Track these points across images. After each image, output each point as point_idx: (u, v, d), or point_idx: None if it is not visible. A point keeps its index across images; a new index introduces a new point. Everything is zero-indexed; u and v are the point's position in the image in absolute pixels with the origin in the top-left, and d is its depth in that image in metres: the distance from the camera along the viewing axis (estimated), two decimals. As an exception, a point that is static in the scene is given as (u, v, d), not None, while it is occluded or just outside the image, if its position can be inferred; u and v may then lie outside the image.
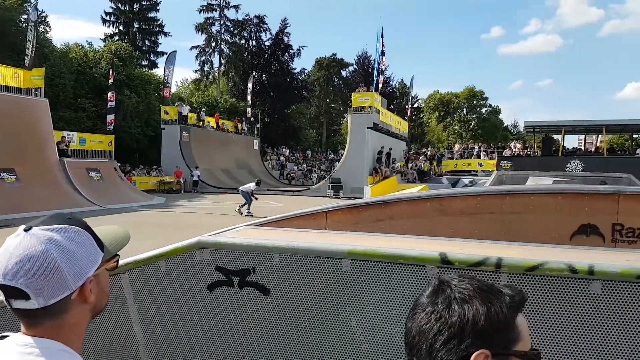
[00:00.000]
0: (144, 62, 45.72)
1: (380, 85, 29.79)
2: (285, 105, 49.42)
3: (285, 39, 50.87)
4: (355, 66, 54.62)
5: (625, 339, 1.81)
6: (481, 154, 33.72)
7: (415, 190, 20.94)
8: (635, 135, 37.79)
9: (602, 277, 1.82)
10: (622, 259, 2.05)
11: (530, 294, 1.91)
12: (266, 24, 50.99)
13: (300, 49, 51.39)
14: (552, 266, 1.86)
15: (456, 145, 38.32)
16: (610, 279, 1.82)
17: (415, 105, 56.97)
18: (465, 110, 62.83)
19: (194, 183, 28.85)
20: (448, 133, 60.47)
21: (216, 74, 52.48)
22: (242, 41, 51.71)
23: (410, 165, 29.95)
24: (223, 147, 34.63)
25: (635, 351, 1.81)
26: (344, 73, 58.24)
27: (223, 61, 51.66)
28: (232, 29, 51.33)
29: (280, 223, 4.41)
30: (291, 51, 51.22)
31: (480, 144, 39.73)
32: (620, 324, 1.82)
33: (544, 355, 1.93)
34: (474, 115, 62.33)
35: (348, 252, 2.13)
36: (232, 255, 2.24)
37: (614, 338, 1.82)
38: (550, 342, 1.89)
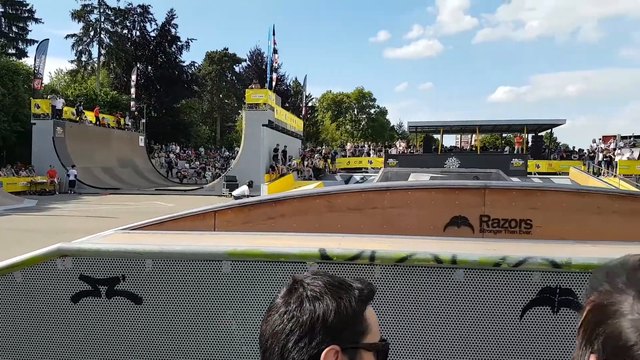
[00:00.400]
0: (11, 51, 40.82)
1: (274, 83, 29.86)
2: (174, 99, 47.24)
3: (173, 30, 48.61)
4: (248, 62, 54.06)
5: (484, 322, 1.98)
6: (371, 152, 35.43)
7: (311, 187, 21.34)
8: (504, 135, 42.55)
9: (464, 266, 1.98)
10: (483, 248, 2.24)
11: (401, 284, 2.02)
12: (151, 14, 48.24)
13: (190, 41, 49.50)
14: (419, 257, 1.98)
15: (348, 144, 39.84)
16: (471, 267, 1.98)
17: (310, 104, 58.10)
18: (356, 110, 65.59)
19: (71, 183, 26.35)
20: (341, 132, 62.65)
21: (95, 65, 48.46)
22: (125, 31, 48.38)
23: (306, 162, 30.47)
24: (103, 143, 32.07)
25: (494, 333, 1.99)
26: (237, 69, 57.37)
27: (103, 51, 47.86)
28: (113, 17, 47.77)
29: (164, 225, 4.17)
30: (179, 43, 49.09)
31: (370, 142, 41.74)
32: (480, 308, 1.99)
33: (414, 340, 2.05)
34: (364, 116, 65.38)
35: (228, 254, 2.06)
36: (99, 263, 2.05)
37: (475, 322, 1.99)
38: (419, 327, 2.01)
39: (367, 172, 31.50)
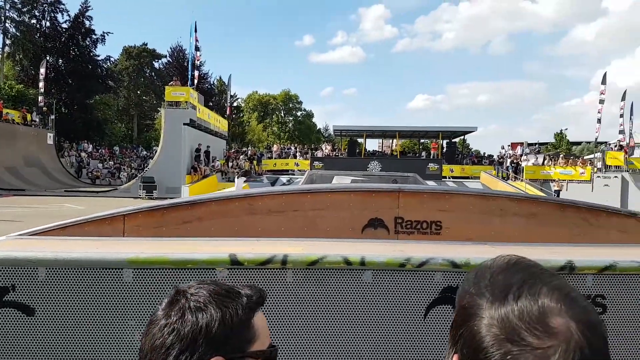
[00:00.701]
0: None
1: (195, 81, 28.97)
2: (86, 95, 44.26)
3: (87, 22, 45.59)
4: (169, 58, 52.01)
5: (391, 321, 2.05)
6: (297, 154, 35.60)
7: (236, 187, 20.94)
8: (422, 140, 44.65)
9: (372, 267, 2.03)
10: (391, 249, 2.32)
11: (313, 286, 2.03)
12: (63, 4, 44.85)
13: (105, 34, 46.64)
14: (330, 259, 2.01)
15: (275, 146, 39.73)
16: (379, 268, 2.04)
17: (235, 104, 57.14)
18: (282, 112, 65.58)
19: (-34, 184, 23.75)
20: (267, 133, 62.29)
21: (-1, 56, 44.20)
22: (33, 21, 44.58)
23: (230, 164, 29.89)
24: (7, 141, 29.25)
25: (400, 331, 2.06)
26: (156, 65, 54.98)
27: (8, 42, 43.76)
28: (19, 6, 43.82)
29: (67, 230, 3.87)
30: (94, 36, 46.09)
31: (296, 145, 41.92)
32: (388, 308, 2.05)
33: (322, 342, 2.08)
34: (291, 118, 65.55)
35: (129, 261, 1.95)
36: (-18, 273, 1.85)
37: (383, 321, 2.05)
38: (329, 329, 2.04)
39: (294, 174, 31.61)
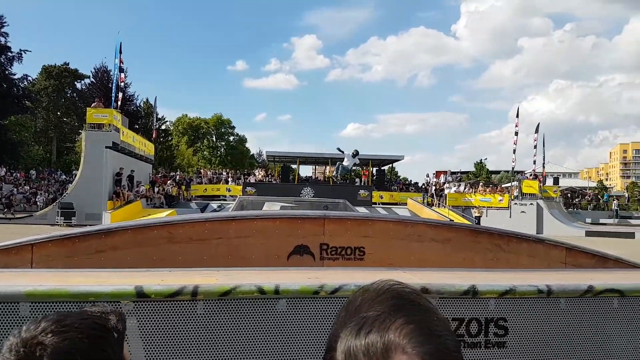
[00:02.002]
0: None
1: (119, 103, 27.84)
2: (1, 115, 41.08)
3: (2, 39, 42.68)
4: (92, 79, 49.65)
5: (305, 350, 2.03)
6: (229, 179, 35.02)
7: (164, 215, 20.11)
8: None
9: (287, 296, 2.02)
10: (306, 276, 2.32)
11: (225, 318, 1.98)
12: (-25, 20, 41.76)
13: (23, 52, 43.80)
14: (244, 289, 1.97)
15: (203, 170, 38.86)
16: (293, 297, 2.03)
17: (164, 127, 55.47)
18: (214, 136, 64.56)
19: None
20: (198, 158, 60.86)
21: None
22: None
23: (157, 189, 28.73)
24: None
25: (315, 359, 2.05)
26: (79, 85, 52.24)
27: None
28: None
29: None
30: (10, 54, 43.16)
31: (228, 170, 41.30)
32: (301, 336, 2.03)
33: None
34: (223, 142, 64.64)
35: (27, 294, 1.80)
36: None
37: (297, 350, 2.03)
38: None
39: (225, 200, 30.97)
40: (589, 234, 26.87)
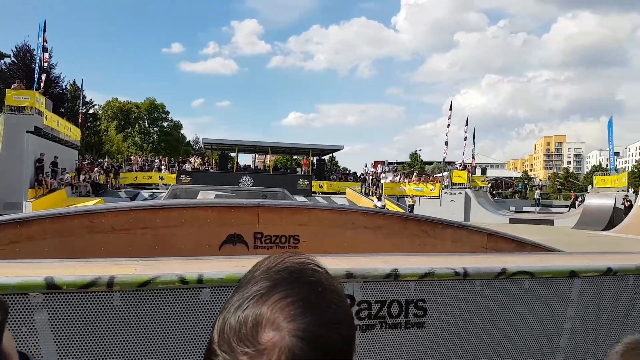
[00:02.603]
0: None
1: (43, 84, 25.90)
2: None
3: None
4: (13, 59, 45.82)
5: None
6: (162, 167, 33.77)
7: (91, 204, 19.04)
8: (294, 156, 45.64)
9: (211, 285, 1.98)
10: (232, 265, 2.29)
11: (144, 309, 1.90)
12: None
13: None
14: (164, 279, 1.90)
15: (136, 158, 37.23)
16: (217, 286, 1.99)
17: (92, 111, 52.37)
18: (147, 122, 61.86)
19: None
20: (128, 144, 58.09)
21: None
22: None
23: (82, 177, 27.15)
24: None
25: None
26: (-2, 65, 48.04)
27: None
28: None
29: None
30: None
31: (161, 157, 39.78)
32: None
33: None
34: (156, 128, 62.12)
35: None
36: None
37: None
38: (162, 353, 1.92)
39: (158, 189, 29.84)
40: (512, 221, 28.69)
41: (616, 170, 36.31)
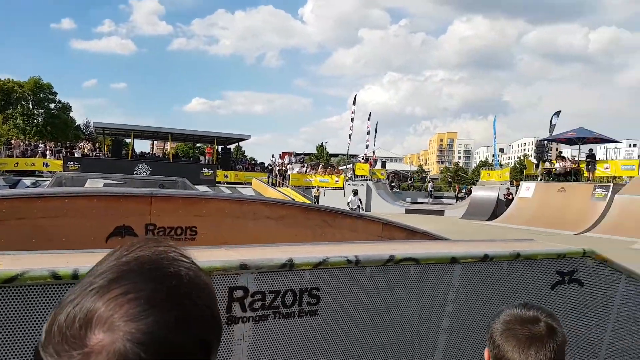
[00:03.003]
0: None
1: None
2: None
3: None
4: None
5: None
6: (47, 152, 30.75)
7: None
8: (198, 145, 44.04)
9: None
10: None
11: (10, 309, 1.70)
12: None
13: None
14: (33, 274, 1.71)
15: (14, 140, 33.48)
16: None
17: (-37, 88, 46.03)
18: (31, 103, 55.84)
19: None
20: (9, 126, 52.01)
21: None
22: None
23: (-51, 162, 23.83)
24: None
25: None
26: None
27: None
28: None
29: None
30: None
31: (47, 141, 36.23)
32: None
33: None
34: (42, 110, 56.35)
35: None
36: None
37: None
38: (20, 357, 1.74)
39: (42, 177, 27.14)
40: (408, 211, 30.50)
41: (500, 165, 40.19)
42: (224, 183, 33.00)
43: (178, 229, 4.60)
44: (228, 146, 38.77)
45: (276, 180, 34.96)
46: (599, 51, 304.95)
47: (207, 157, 35.92)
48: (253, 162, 43.98)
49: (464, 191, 42.42)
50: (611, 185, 21.96)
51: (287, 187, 32.92)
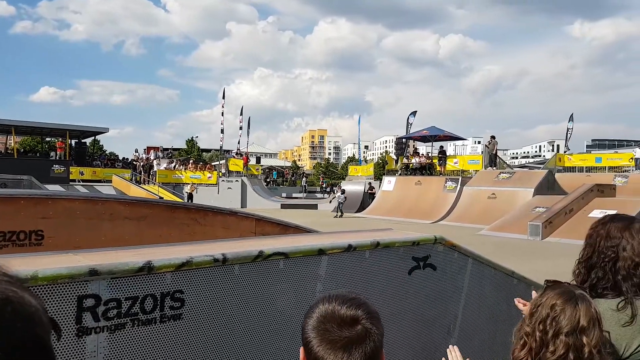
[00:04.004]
0: None
1: None
2: None
3: None
4: None
5: None
6: None
7: None
8: (48, 139, 39.21)
9: None
10: None
11: None
12: None
13: None
14: None
15: None
16: None
17: None
18: None
19: None
20: None
21: None
22: None
23: None
24: None
25: None
26: None
27: None
28: None
29: None
30: None
31: None
32: None
33: None
34: None
35: None
36: None
37: None
38: None
39: None
40: (283, 206, 30.94)
41: (365, 161, 42.76)
42: (79, 181, 30.06)
43: (21, 233, 4.03)
44: (83, 140, 35.27)
45: (140, 177, 32.78)
46: (448, 57, 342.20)
47: (58, 153, 32.19)
48: (113, 157, 40.68)
49: (324, 185, 47.35)
50: (460, 178, 24.81)
51: (154, 184, 31.10)
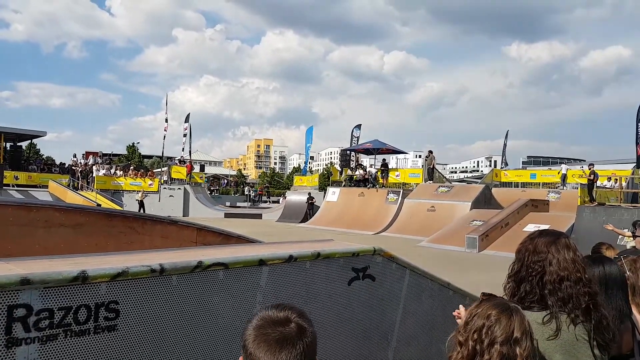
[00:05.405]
0: None
1: None
2: None
3: None
4: None
5: None
6: None
7: None
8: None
9: None
10: None
11: None
12: None
13: None
14: None
15: None
16: None
17: None
18: None
19: None
20: None
21: None
22: None
23: None
24: None
25: None
26: None
27: None
28: None
29: None
30: None
31: None
32: None
33: None
34: None
35: None
36: None
37: None
38: None
39: None
40: (227, 215, 30.46)
41: (310, 171, 43.00)
42: (13, 185, 28.27)
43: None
44: (19, 143, 33.17)
45: (78, 183, 31.21)
46: (391, 72, 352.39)
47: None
48: (50, 162, 38.47)
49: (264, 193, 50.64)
50: (401, 190, 25.54)
51: (92, 190, 29.69)
